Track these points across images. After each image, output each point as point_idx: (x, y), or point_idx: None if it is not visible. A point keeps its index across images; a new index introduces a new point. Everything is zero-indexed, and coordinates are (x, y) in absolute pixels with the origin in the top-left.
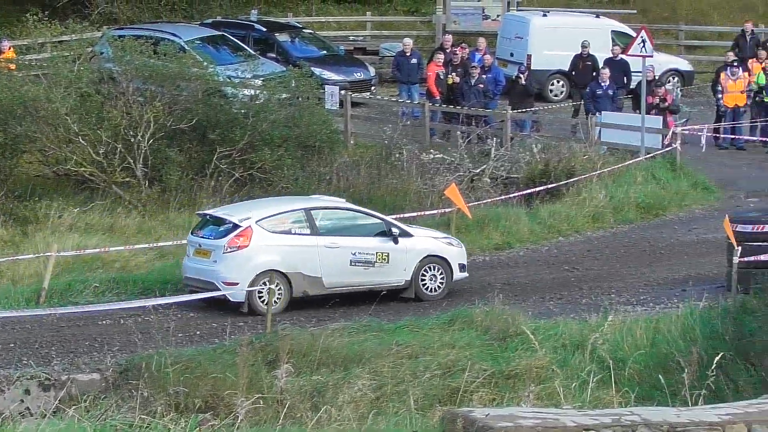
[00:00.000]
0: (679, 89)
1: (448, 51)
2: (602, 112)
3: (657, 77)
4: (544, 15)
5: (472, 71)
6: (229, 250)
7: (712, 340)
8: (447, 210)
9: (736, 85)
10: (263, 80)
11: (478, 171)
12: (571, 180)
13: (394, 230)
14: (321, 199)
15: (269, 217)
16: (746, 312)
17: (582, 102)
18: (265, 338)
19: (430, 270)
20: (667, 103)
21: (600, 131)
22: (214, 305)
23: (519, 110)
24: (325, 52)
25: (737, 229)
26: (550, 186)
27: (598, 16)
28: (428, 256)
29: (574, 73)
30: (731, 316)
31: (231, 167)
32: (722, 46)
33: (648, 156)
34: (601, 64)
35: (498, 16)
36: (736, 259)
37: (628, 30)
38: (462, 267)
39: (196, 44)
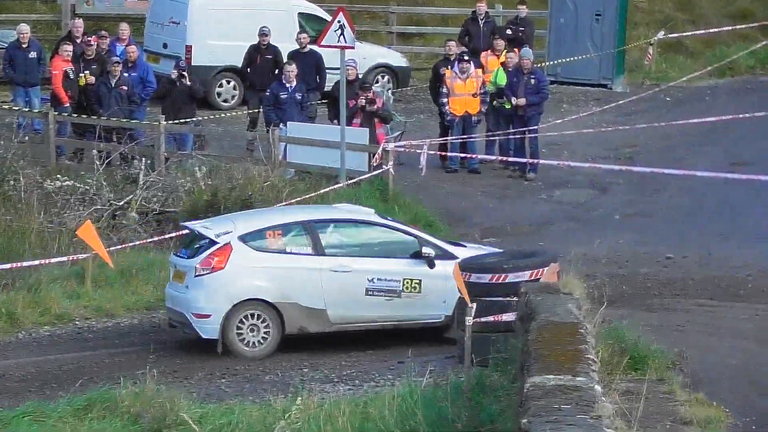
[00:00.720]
0: (390, 91)
1: (79, 41)
2: (288, 122)
3: (361, 75)
4: None
5: (113, 68)
6: (201, 272)
7: (440, 427)
8: (81, 256)
9: (466, 86)
10: None
11: (121, 203)
12: None
13: (426, 251)
14: (341, 210)
15: (256, 231)
16: (484, 390)
17: (261, 109)
18: None
19: None
20: (375, 107)
21: (286, 148)
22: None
23: (177, 120)
24: None
25: (471, 280)
26: None
27: None
28: None
29: (249, 70)
30: (464, 397)
31: None
32: (448, 34)
33: (351, 181)
34: (285, 58)
35: None
36: (469, 320)
37: (321, 12)
38: None
39: None
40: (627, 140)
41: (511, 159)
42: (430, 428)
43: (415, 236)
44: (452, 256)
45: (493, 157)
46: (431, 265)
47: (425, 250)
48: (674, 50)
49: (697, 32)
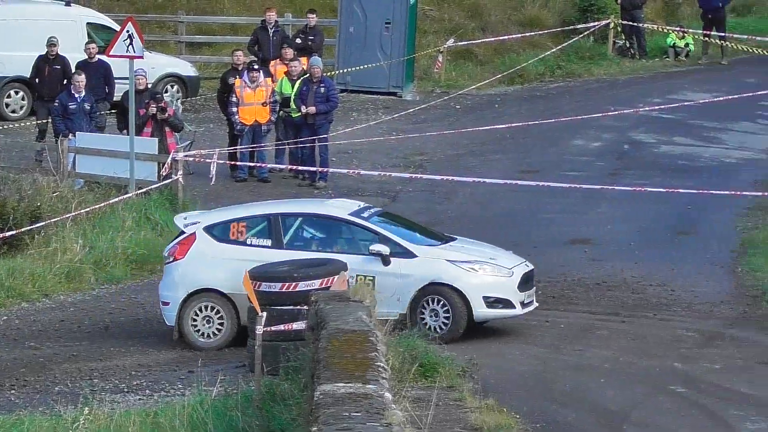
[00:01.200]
0: (179, 101)
1: None
2: (77, 132)
3: (150, 85)
4: None
5: None
6: (167, 260)
7: None
8: None
9: (255, 95)
10: None
11: None
12: (37, 225)
13: (375, 248)
14: (323, 205)
15: (222, 222)
16: (275, 400)
17: (50, 120)
18: None
19: (432, 303)
20: (167, 115)
21: (75, 159)
22: None
23: None
24: None
25: (261, 289)
26: (8, 234)
27: (68, 4)
28: (431, 284)
29: (37, 80)
30: (255, 406)
31: None
32: (237, 43)
33: (140, 191)
34: (74, 68)
35: None
36: (260, 329)
37: (109, 22)
38: (496, 301)
39: None
40: (417, 148)
41: (300, 168)
42: None
43: (376, 233)
44: (412, 255)
45: (283, 166)
46: (386, 263)
47: (374, 247)
48: (464, 58)
49: (487, 40)
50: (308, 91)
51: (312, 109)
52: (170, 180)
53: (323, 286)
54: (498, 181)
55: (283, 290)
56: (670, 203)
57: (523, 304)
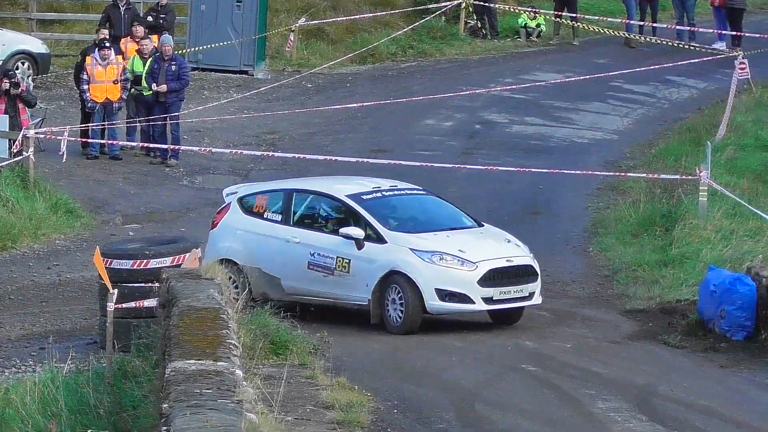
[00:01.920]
0: (31, 78)
1: None
2: None
3: (1, 62)
4: None
5: None
6: (210, 228)
7: (82, 414)
8: None
9: (106, 72)
10: None
11: None
12: None
13: (348, 231)
14: (358, 182)
15: (251, 194)
16: (126, 376)
17: None
18: None
19: (392, 292)
20: (20, 90)
21: None
22: None
23: None
24: None
25: (112, 266)
26: None
27: None
28: (391, 272)
29: None
30: (106, 383)
31: None
32: (89, 21)
33: None
34: None
35: None
36: (111, 306)
37: None
38: (449, 295)
39: None
40: (269, 127)
41: (152, 145)
42: (71, 414)
43: (361, 215)
44: (383, 241)
45: (135, 144)
46: (359, 246)
47: (345, 230)
48: (315, 37)
49: (338, 19)
50: (159, 69)
51: (163, 87)
52: (21, 157)
53: (175, 263)
54: (350, 159)
55: (135, 267)
56: (522, 183)
57: (490, 301)
